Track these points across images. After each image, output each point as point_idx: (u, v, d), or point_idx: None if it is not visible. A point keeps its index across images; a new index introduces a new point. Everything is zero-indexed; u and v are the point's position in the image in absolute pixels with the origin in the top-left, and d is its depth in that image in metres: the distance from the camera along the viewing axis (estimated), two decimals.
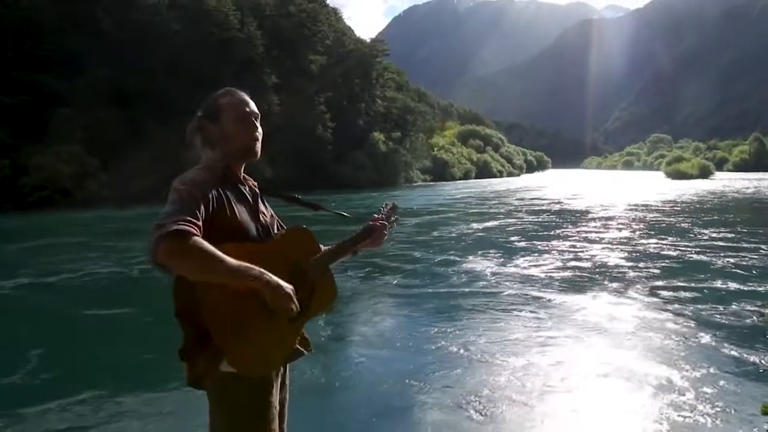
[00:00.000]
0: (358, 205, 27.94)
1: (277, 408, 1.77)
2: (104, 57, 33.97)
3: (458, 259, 11.20)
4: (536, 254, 11.54)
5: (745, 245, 12.39)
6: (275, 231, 1.89)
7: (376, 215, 2.12)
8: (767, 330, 5.95)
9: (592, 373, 4.81)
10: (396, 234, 15.33)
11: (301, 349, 1.86)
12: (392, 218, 2.15)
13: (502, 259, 10.96)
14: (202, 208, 1.58)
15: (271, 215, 1.92)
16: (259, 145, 1.84)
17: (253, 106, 1.86)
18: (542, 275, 9.30)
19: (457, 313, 7.11)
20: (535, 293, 7.93)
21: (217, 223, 1.62)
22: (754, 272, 9.26)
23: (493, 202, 30.48)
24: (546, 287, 8.33)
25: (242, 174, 1.86)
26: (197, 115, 1.83)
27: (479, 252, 11.86)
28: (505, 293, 8.01)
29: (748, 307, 6.82)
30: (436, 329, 6.30)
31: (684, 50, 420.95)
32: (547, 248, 12.33)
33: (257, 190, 1.89)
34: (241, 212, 1.74)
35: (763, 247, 12.07)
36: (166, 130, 27.49)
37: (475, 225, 17.94)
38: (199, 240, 1.49)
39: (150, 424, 4.05)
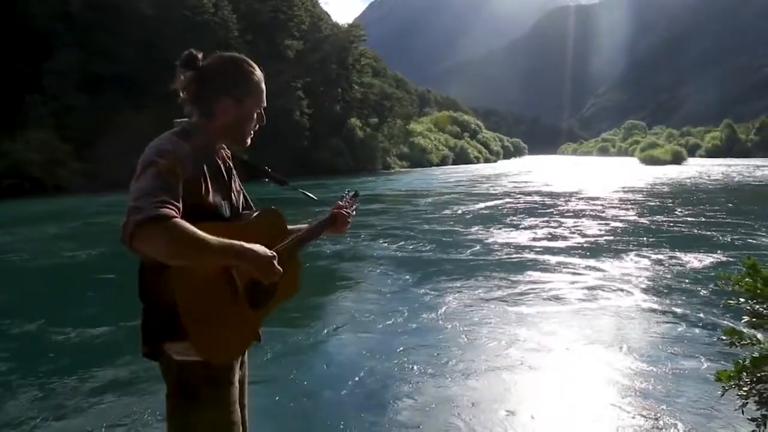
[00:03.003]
0: (359, 189, 28.99)
1: (237, 386, 1.72)
2: (75, 41, 33.19)
3: (475, 230, 12.51)
4: (538, 228, 12.98)
5: (712, 221, 13.84)
6: (242, 208, 1.82)
7: (339, 202, 2.07)
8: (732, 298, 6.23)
9: (582, 334, 5.35)
10: (414, 211, 16.99)
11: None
12: (354, 206, 2.13)
13: (511, 231, 12.42)
14: (181, 185, 1.46)
15: (238, 190, 1.82)
16: None
17: None
18: (543, 244, 10.50)
19: (470, 275, 7.90)
20: (537, 257, 9.20)
21: (190, 200, 1.49)
22: (724, 243, 10.36)
23: (488, 185, 32.40)
24: (547, 253, 9.53)
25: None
26: (214, 77, 1.66)
27: (494, 225, 13.41)
28: (513, 258, 9.15)
29: (711, 275, 7.43)
30: (453, 288, 7.08)
31: (659, 38, 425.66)
32: (546, 223, 13.81)
33: (230, 164, 1.80)
34: (215, 190, 1.64)
35: (730, 222, 13.37)
36: (140, 115, 27.08)
37: (481, 204, 19.55)
38: (180, 223, 1.36)
39: None
